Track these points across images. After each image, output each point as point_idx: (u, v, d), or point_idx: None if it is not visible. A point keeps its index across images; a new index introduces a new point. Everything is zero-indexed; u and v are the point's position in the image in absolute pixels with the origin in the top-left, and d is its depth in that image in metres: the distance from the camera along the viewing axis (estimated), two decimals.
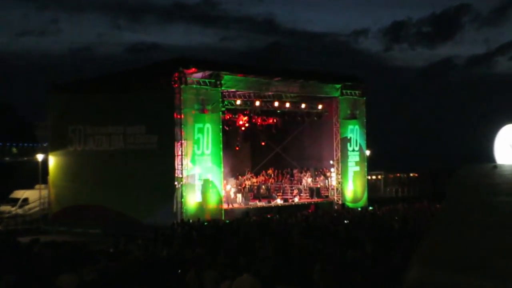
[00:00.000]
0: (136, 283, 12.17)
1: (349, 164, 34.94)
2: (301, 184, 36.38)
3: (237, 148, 36.61)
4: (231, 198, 31.79)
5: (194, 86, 28.18)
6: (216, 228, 22.17)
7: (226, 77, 29.39)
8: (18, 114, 56.35)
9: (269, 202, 33.02)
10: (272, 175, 37.81)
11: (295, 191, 35.13)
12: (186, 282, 12.01)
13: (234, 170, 35.19)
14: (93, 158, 30.93)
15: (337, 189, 34.71)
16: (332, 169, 35.38)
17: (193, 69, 28.11)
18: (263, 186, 35.85)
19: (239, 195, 32.43)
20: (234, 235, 19.14)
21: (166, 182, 27.84)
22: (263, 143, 36.90)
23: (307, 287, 11.45)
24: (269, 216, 28.78)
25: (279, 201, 33.21)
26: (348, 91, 34.91)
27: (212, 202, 28.56)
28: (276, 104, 33.51)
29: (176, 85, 27.65)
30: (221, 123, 29.38)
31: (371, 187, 38.61)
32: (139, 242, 17.67)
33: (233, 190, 32.40)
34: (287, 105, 34.10)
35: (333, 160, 34.95)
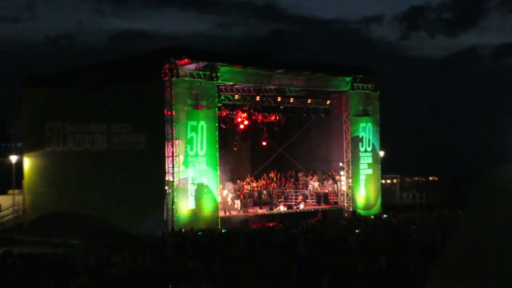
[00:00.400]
0: None
1: (361, 166, 34.96)
2: (307, 189, 36.36)
3: (235, 149, 36.62)
4: (228, 205, 31.77)
5: (187, 79, 28.16)
6: (211, 238, 22.20)
7: (223, 69, 29.38)
8: None
9: (271, 209, 33.04)
10: (275, 179, 37.78)
11: (300, 197, 35.15)
12: None
13: (232, 173, 35.18)
14: (73, 160, 30.93)
15: (347, 194, 34.72)
16: (341, 172, 35.36)
17: (186, 59, 28.09)
18: (264, 191, 35.84)
19: (238, 202, 32.42)
20: (231, 246, 19.15)
21: (156, 187, 27.83)
22: (264, 143, 36.91)
23: None
24: (271, 225, 28.79)
25: (282, 208, 33.23)
26: (360, 85, 34.91)
27: (207, 209, 28.56)
28: (279, 99, 33.48)
29: (167, 78, 27.63)
30: (217, 121, 29.34)
31: (385, 192, 38.58)
32: (125, 254, 17.69)
33: (230, 195, 32.40)
34: (291, 100, 34.05)
35: (343, 162, 34.95)
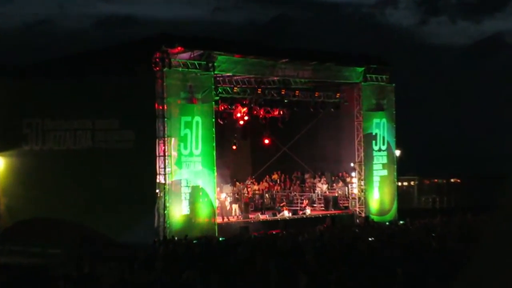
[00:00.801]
0: None
1: (375, 167, 34.98)
2: (314, 192, 36.36)
3: (234, 147, 36.65)
4: (226, 210, 31.79)
5: (180, 69, 28.18)
6: (208, 247, 22.22)
7: (220, 58, 29.37)
8: None
9: (274, 214, 33.08)
10: (278, 181, 37.78)
11: (306, 201, 35.17)
12: None
13: (231, 174, 35.18)
14: (54, 160, 30.91)
15: (359, 198, 34.73)
16: (353, 174, 35.38)
17: (179, 48, 28.11)
18: (267, 195, 35.87)
19: (237, 206, 32.46)
20: (230, 256, 19.17)
21: (145, 190, 27.86)
22: (266, 141, 36.92)
23: None
24: (274, 232, 28.80)
25: (286, 214, 33.25)
26: (373, 76, 34.92)
27: (202, 215, 28.58)
28: (283, 92, 33.49)
29: (158, 68, 27.64)
30: (214, 116, 29.36)
31: (402, 195, 38.59)
32: (112, 265, 17.71)
33: (229, 199, 32.44)
34: (297, 93, 34.07)
35: (354, 163, 34.98)
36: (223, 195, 32.12)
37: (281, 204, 34.90)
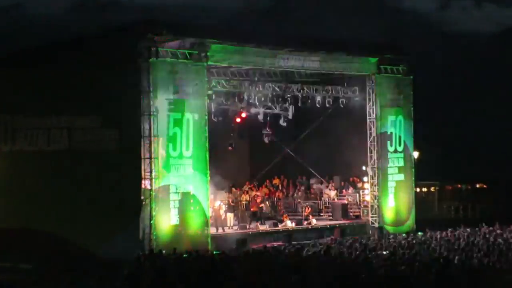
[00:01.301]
0: None
1: (390, 171, 34.97)
2: (321, 199, 36.34)
3: (230, 148, 36.64)
4: (221, 220, 31.77)
5: (169, 60, 28.16)
6: (200, 263, 22.18)
7: (214, 47, 29.34)
8: None
9: (276, 225, 33.07)
10: (280, 186, 37.74)
11: (308, 209, 35.02)
12: None
13: (226, 179, 35.16)
14: (24, 163, 30.90)
15: (372, 206, 34.71)
16: (365, 178, 35.39)
17: (167, 35, 28.06)
18: (267, 203, 35.82)
19: (233, 215, 32.42)
20: (225, 272, 19.13)
21: (129, 197, 27.83)
22: (267, 141, 36.90)
23: None
24: (275, 245, 28.75)
25: (289, 224, 33.23)
26: (388, 67, 34.91)
27: (194, 226, 28.56)
28: (286, 86, 33.45)
29: (143, 59, 27.59)
30: (207, 113, 29.35)
31: (420, 203, 38.58)
32: (91, 282, 17.68)
33: (224, 208, 32.41)
34: (302, 87, 33.98)
35: (366, 166, 34.95)
36: (217, 203, 32.12)
37: (280, 213, 34.81)
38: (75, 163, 29.59)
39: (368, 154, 34.74)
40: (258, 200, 34.56)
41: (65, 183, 29.61)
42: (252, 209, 33.49)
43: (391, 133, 35.07)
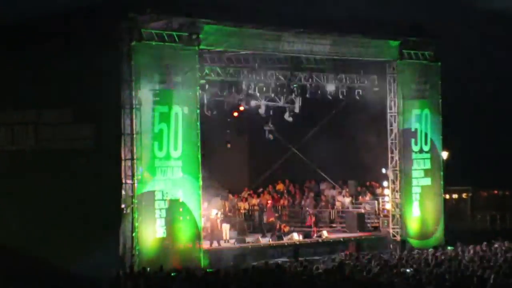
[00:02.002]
0: None
1: (414, 174, 35.05)
2: (333, 208, 36.39)
3: (227, 146, 36.63)
4: (216, 232, 31.84)
5: (154, 43, 28.22)
6: (191, 282, 22.26)
7: (208, 28, 29.41)
8: None
9: (280, 238, 33.11)
10: (285, 192, 37.78)
11: (313, 217, 35.16)
12: None
13: (222, 184, 35.24)
14: None
15: (393, 216, 34.79)
16: (385, 183, 35.46)
17: (152, 14, 28.11)
18: (270, 211, 35.85)
19: (229, 227, 32.53)
20: None
21: (107, 205, 27.90)
22: (269, 139, 36.91)
23: None
24: (279, 261, 28.80)
25: (296, 237, 33.32)
26: (413, 52, 35.00)
27: (184, 239, 28.64)
28: (292, 74, 33.49)
29: (124, 42, 27.67)
30: (199, 106, 29.42)
31: (450, 212, 38.57)
32: None
33: (219, 217, 32.49)
34: (310, 75, 34.09)
35: (386, 168, 35.05)
36: (214, 212, 32.25)
37: (279, 225, 34.67)
38: (42, 165, 29.61)
39: (389, 155, 34.80)
40: (269, 205, 34.56)
41: (31, 190, 29.63)
42: (269, 220, 33.40)
43: (416, 129, 35.15)
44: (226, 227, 32.44)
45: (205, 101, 32.11)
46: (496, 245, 30.74)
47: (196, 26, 29.05)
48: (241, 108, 35.02)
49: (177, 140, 28.66)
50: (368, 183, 36.89)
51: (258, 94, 34.13)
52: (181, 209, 28.62)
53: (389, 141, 34.81)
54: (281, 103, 35.95)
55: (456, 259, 26.76)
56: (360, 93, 35.53)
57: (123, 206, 27.70)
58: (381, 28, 34.85)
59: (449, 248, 32.00)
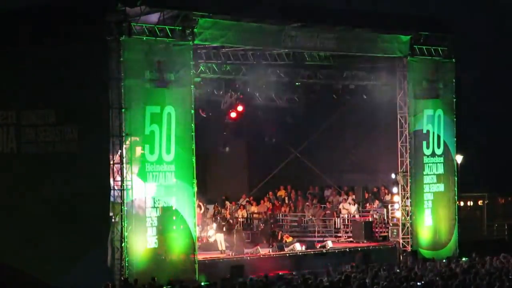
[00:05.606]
0: None
1: (426, 179, 35.01)
2: (338, 216, 36.33)
3: (226, 149, 36.61)
4: (212, 242, 31.84)
5: (145, 38, 28.20)
6: None
7: (203, 22, 29.36)
8: None
9: (281, 248, 33.06)
10: (286, 199, 37.74)
11: (312, 225, 35.11)
12: None
13: (219, 190, 35.18)
14: None
15: (404, 225, 34.73)
16: (394, 189, 35.43)
17: (143, 7, 27.96)
18: (270, 220, 35.83)
19: (222, 237, 32.42)
20: None
21: (94, 213, 27.84)
22: (269, 142, 36.90)
23: None
24: (280, 273, 28.73)
25: (298, 247, 33.28)
26: (425, 48, 34.94)
27: (177, 249, 28.61)
28: (294, 71, 33.50)
29: (112, 37, 27.62)
30: (193, 106, 29.39)
31: (465, 220, 38.53)
32: None
33: (215, 226, 32.46)
34: (314, 73, 34.04)
35: (396, 173, 34.99)
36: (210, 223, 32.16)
37: (280, 235, 34.66)
38: (24, 170, 29.65)
39: (399, 158, 34.74)
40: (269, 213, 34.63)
41: (11, 197, 29.74)
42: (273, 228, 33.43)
43: (428, 131, 35.12)
44: (221, 237, 32.35)
45: (200, 101, 31.98)
46: None
47: (190, 19, 29.01)
48: (239, 109, 34.99)
49: (170, 143, 28.62)
50: (376, 189, 36.83)
51: (257, 94, 34.14)
52: (174, 218, 28.62)
53: (399, 144, 34.75)
54: (282, 103, 35.96)
55: (471, 272, 26.71)
56: (368, 92, 35.47)
57: (111, 214, 27.65)
58: (391, 22, 34.75)
59: (463, 259, 32.00)
